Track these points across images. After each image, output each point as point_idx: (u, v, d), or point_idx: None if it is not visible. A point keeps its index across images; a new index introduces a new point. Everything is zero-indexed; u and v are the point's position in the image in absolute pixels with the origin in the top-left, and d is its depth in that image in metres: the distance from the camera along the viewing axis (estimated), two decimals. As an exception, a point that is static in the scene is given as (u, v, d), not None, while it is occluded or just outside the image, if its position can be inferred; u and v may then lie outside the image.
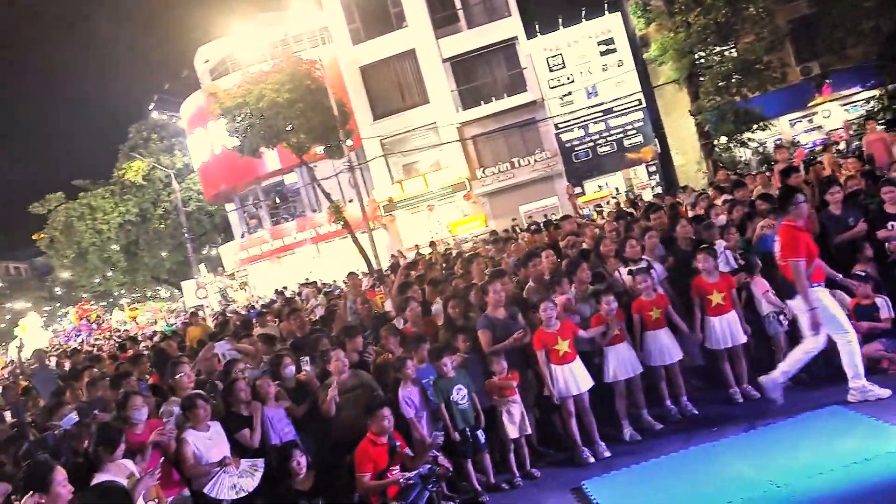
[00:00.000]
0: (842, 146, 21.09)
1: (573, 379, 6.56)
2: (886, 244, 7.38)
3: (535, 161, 28.28)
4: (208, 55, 33.94)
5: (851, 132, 22.36)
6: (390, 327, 7.48)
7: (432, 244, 22.08)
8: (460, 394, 6.35)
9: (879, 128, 15.03)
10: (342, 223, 24.25)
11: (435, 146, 28.90)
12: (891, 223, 7.30)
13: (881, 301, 6.95)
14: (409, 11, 28.72)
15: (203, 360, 7.92)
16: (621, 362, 6.79)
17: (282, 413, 6.29)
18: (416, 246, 22.57)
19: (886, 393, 6.05)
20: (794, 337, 7.17)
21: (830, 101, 27.39)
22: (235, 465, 5.61)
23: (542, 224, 14.33)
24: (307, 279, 23.64)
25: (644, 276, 7.04)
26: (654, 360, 6.98)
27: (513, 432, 6.52)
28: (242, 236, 33.83)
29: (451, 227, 27.94)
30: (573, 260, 7.71)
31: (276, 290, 21.80)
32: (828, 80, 26.70)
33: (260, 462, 5.76)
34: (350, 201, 27.49)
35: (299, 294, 19.02)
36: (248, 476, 5.58)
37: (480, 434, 6.43)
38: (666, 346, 6.98)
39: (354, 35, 29.32)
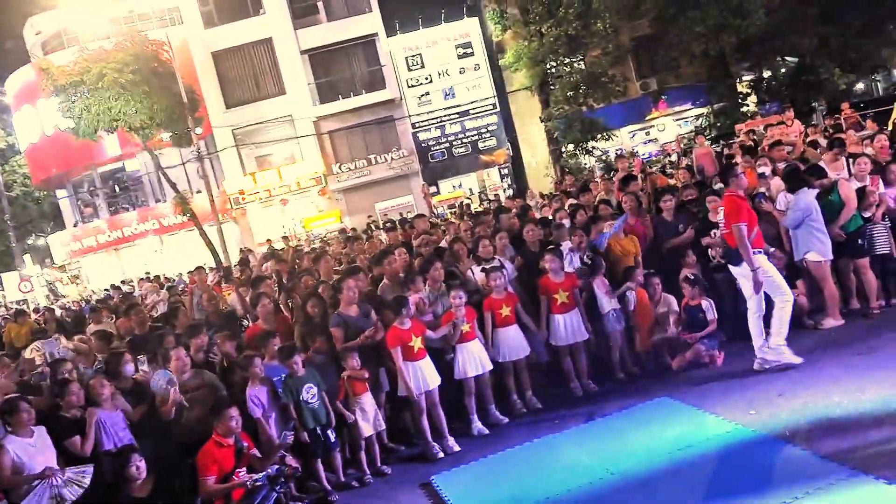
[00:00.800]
0: (674, 158, 22.85)
1: (423, 376, 6.63)
2: (710, 250, 8.07)
3: (392, 159, 28.36)
4: (40, 26, 31.06)
5: (682, 145, 24.32)
6: (229, 331, 7.23)
7: (285, 239, 21.54)
8: (310, 392, 6.23)
9: (706, 143, 16.43)
10: (189, 215, 23.07)
11: (290, 139, 28.24)
12: (714, 231, 7.99)
13: (707, 303, 7.57)
14: (266, -1, 27.90)
15: (27, 360, 7.25)
16: (472, 359, 6.94)
17: (117, 416, 5.86)
18: (269, 241, 21.95)
19: (798, 360, 6.59)
20: (631, 336, 7.73)
21: (665, 115, 29.67)
22: (60, 474, 5.16)
23: (397, 222, 14.40)
24: (147, 273, 22.28)
25: (497, 274, 7.24)
26: (503, 356, 7.20)
27: (367, 430, 6.50)
28: (75, 225, 31.29)
29: (306, 222, 27.40)
30: (427, 258, 7.80)
31: (112, 285, 20.36)
32: (664, 97, 28.93)
33: (88, 469, 5.33)
34: (198, 192, 26.23)
35: (139, 289, 17.90)
36: (73, 485, 5.14)
37: (331, 433, 6.35)
38: (515, 343, 7.22)
39: (207, 18, 28.03)
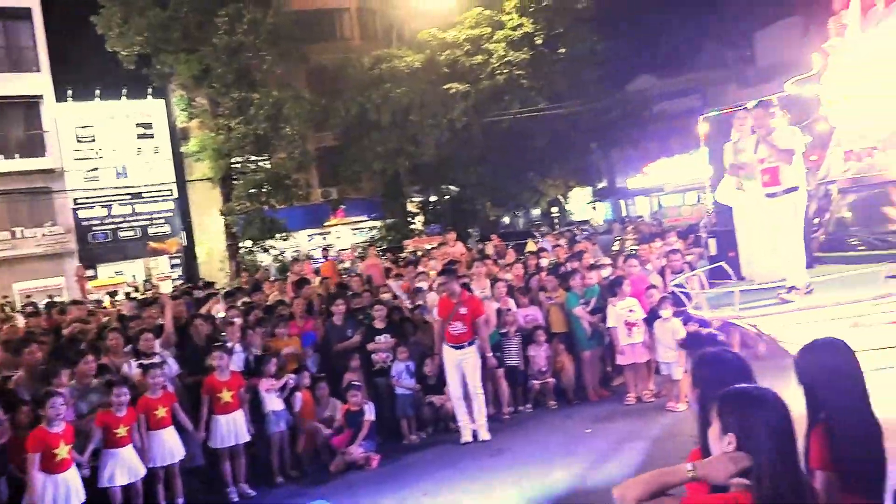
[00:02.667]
0: (348, 264, 23.96)
1: (66, 488, 5.80)
2: (373, 355, 8.57)
3: (43, 235, 25.23)
4: None
5: (356, 254, 25.70)
6: None
7: None
8: None
9: (376, 254, 17.60)
10: None
11: None
12: (378, 337, 8.55)
13: (368, 407, 7.94)
14: None
15: None
16: (122, 466, 6.30)
17: None
18: None
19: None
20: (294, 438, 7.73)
21: (343, 224, 31.21)
22: None
23: (45, 306, 12.75)
24: None
25: (157, 372, 6.78)
26: (156, 461, 6.66)
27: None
28: None
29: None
30: (78, 350, 7.03)
31: None
32: (343, 206, 30.50)
33: None
34: None
35: None
36: None
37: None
38: (169, 446, 6.75)
39: None
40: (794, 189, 6.69)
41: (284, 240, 26.54)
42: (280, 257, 26.52)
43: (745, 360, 2.84)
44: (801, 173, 6.80)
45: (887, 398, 6.77)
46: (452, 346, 8.00)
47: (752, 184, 7.11)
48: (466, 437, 7.96)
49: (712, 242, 8.56)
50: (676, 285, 7.67)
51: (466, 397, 7.97)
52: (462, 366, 7.97)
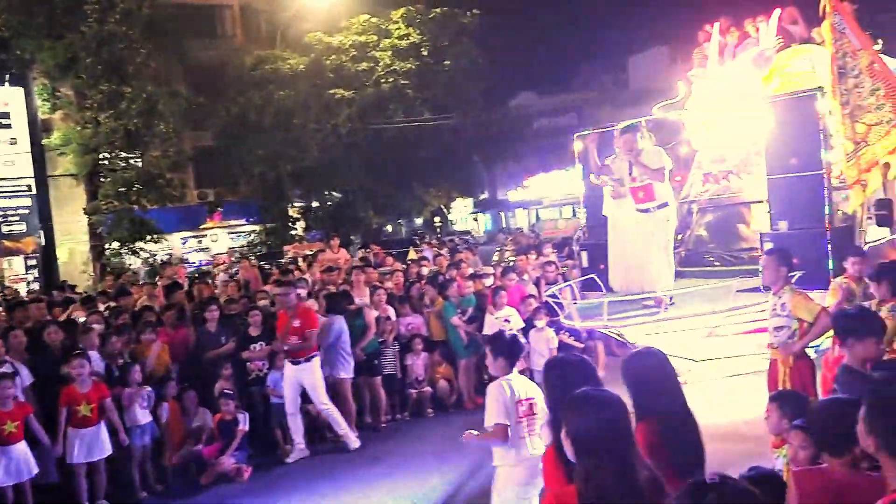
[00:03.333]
0: (221, 270, 23.15)
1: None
2: (248, 363, 8.33)
3: None
4: None
5: (233, 258, 24.90)
6: None
7: None
8: None
9: (253, 259, 17.17)
10: None
11: None
12: (253, 345, 8.32)
13: (242, 416, 7.68)
14: None
15: None
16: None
17: None
18: None
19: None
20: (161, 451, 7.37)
21: (220, 227, 30.17)
22: None
23: None
24: None
25: (7, 383, 6.26)
26: (3, 478, 6.13)
27: None
28: None
29: None
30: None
31: None
32: (220, 208, 29.47)
33: None
34: None
35: None
36: None
37: None
38: (21, 462, 6.24)
39: None
40: (666, 205, 7.15)
41: (156, 242, 25.27)
42: (151, 260, 25.23)
43: (591, 364, 3.35)
44: (669, 190, 7.29)
45: (738, 403, 7.37)
46: (290, 361, 7.84)
47: (625, 201, 7.52)
48: (292, 457, 7.80)
49: (584, 255, 8.96)
50: (550, 296, 7.96)
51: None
52: (301, 381, 7.80)
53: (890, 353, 4.02)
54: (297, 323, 7.78)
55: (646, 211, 7.22)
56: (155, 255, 25.77)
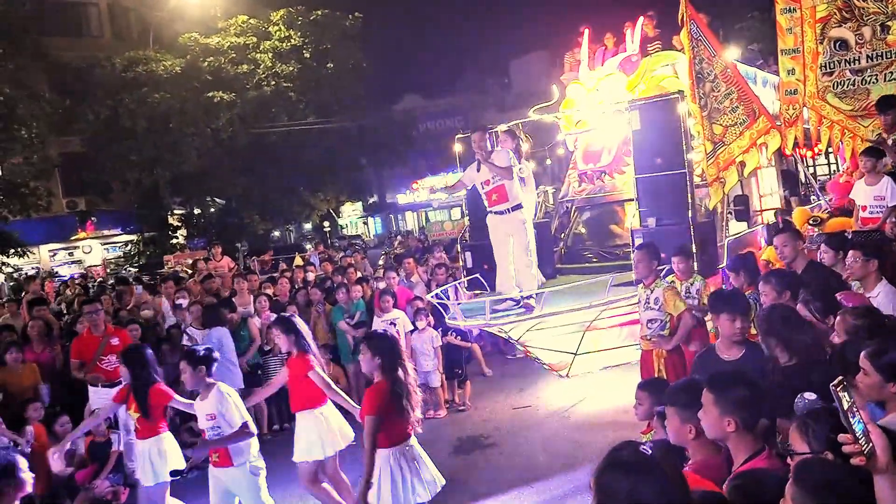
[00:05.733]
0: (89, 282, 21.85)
1: None
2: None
3: None
4: None
5: (108, 270, 23.57)
6: None
7: None
8: None
9: (133, 269, 16.32)
10: None
11: None
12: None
13: (115, 436, 7.26)
14: None
15: None
16: None
17: None
18: None
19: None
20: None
21: (93, 237, 28.48)
22: None
23: None
24: None
25: None
26: None
27: None
28: None
29: None
30: None
31: None
32: (93, 218, 27.82)
33: None
34: None
35: None
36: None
37: None
38: None
39: None
40: (520, 206, 7.33)
41: (20, 256, 23.53)
42: (15, 275, 23.45)
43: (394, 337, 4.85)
44: (521, 191, 7.46)
45: (615, 392, 7.70)
46: (107, 385, 7.22)
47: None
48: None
49: (468, 255, 9.09)
50: (435, 296, 8.03)
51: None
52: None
53: (751, 337, 4.31)
54: (115, 341, 7.32)
55: (500, 213, 7.36)
56: (20, 269, 23.99)
